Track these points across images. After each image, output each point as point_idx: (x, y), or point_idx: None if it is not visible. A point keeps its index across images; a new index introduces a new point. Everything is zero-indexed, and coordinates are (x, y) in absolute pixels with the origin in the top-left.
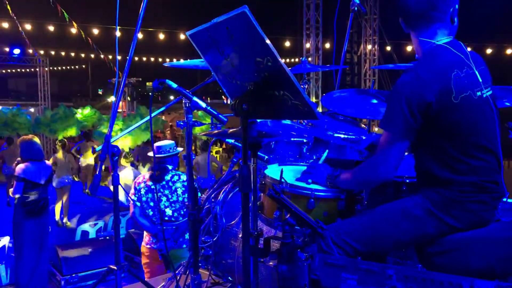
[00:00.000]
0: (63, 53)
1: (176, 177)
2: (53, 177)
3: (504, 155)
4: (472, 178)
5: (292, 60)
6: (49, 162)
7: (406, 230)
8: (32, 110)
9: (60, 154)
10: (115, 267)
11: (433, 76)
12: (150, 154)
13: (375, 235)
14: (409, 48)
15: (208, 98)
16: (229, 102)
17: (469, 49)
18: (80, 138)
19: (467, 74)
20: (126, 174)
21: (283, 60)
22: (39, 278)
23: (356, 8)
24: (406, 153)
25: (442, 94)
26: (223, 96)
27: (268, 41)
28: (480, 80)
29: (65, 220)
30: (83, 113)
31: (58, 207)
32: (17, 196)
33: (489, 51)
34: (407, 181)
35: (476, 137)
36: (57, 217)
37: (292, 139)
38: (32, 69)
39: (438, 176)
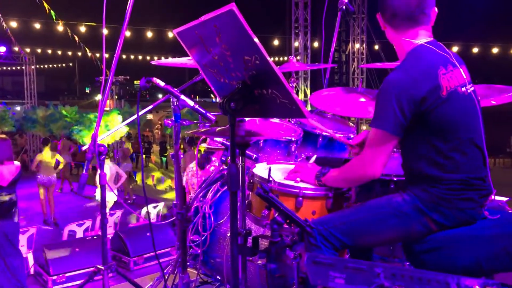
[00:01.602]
0: (49, 51)
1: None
2: (39, 175)
3: (489, 154)
4: (459, 175)
5: (281, 58)
6: (17, 163)
7: (394, 226)
8: (18, 108)
9: (45, 153)
10: (103, 267)
11: (421, 74)
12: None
13: (363, 230)
14: None
15: (197, 97)
16: (217, 100)
17: (454, 48)
18: (59, 137)
19: (452, 71)
20: (106, 170)
21: (271, 59)
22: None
23: (344, 7)
24: (393, 151)
25: (431, 90)
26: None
27: (256, 39)
28: (465, 77)
29: (53, 217)
30: (67, 111)
31: (44, 206)
32: None
33: (475, 50)
34: (395, 179)
35: (463, 132)
36: (44, 215)
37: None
38: (18, 67)
39: (425, 174)
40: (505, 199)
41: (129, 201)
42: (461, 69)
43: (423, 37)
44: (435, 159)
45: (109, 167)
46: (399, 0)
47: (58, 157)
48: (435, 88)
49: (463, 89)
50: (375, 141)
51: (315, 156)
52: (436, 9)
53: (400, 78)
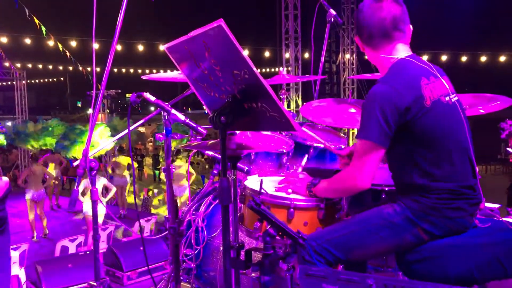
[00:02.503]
0: (40, 66)
1: None
2: (28, 190)
3: (481, 161)
4: (448, 184)
5: (272, 69)
6: (5, 178)
7: (386, 238)
8: (9, 124)
9: (35, 167)
10: (95, 283)
11: (404, 84)
12: None
13: (355, 244)
14: None
15: (189, 109)
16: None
17: (443, 57)
18: (47, 151)
19: (434, 81)
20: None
21: (263, 70)
22: None
23: (332, 20)
24: (382, 162)
25: (415, 100)
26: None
27: (244, 54)
28: (447, 87)
29: (46, 231)
30: (52, 124)
31: (33, 221)
32: None
33: (464, 58)
34: (386, 189)
35: (449, 140)
36: (34, 232)
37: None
38: (9, 83)
39: (415, 184)
40: (496, 206)
41: (118, 215)
42: (443, 80)
43: (402, 52)
44: (423, 168)
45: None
46: (372, 20)
47: (47, 171)
48: (418, 98)
49: (447, 98)
50: (361, 152)
51: (300, 169)
52: (411, 26)
53: (383, 90)
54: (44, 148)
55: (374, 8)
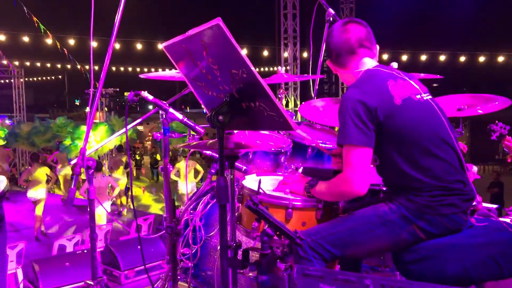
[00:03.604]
0: (38, 64)
1: None
2: (29, 189)
3: (479, 161)
4: (437, 181)
5: (271, 69)
6: (3, 177)
7: (381, 235)
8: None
9: (34, 167)
10: (92, 282)
11: (372, 87)
12: None
13: (351, 240)
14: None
15: (187, 108)
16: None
17: (441, 57)
18: (57, 148)
19: (401, 83)
20: (98, 181)
21: (261, 69)
22: None
23: (331, 19)
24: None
25: (383, 100)
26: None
27: (242, 53)
28: (417, 87)
29: (42, 228)
30: (57, 123)
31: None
32: None
33: (462, 59)
34: (384, 189)
35: (429, 135)
36: (42, 227)
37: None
38: (7, 81)
39: (406, 184)
40: (494, 206)
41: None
42: (411, 82)
43: (368, 64)
44: (410, 167)
45: (96, 179)
46: (339, 41)
47: (48, 171)
48: (386, 97)
49: (418, 96)
50: (348, 157)
51: (302, 168)
52: (378, 46)
53: (352, 93)
54: (45, 147)
55: (341, 31)
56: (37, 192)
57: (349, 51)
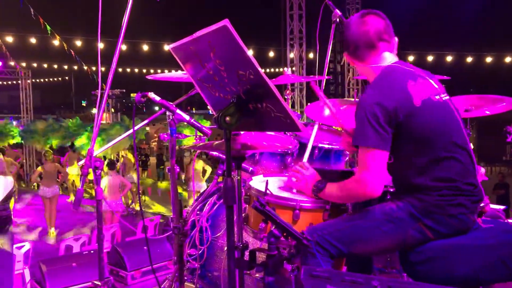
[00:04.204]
0: (45, 66)
1: None
2: (41, 187)
3: (486, 162)
4: (449, 181)
5: (277, 70)
6: (10, 178)
7: (388, 233)
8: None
9: (47, 164)
10: (99, 283)
11: (391, 87)
12: None
13: (358, 237)
14: None
15: (193, 109)
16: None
17: (449, 58)
18: (71, 146)
19: (421, 82)
20: (110, 180)
21: (267, 70)
22: None
23: (338, 20)
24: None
25: (403, 101)
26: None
27: (249, 54)
28: (436, 86)
29: (52, 230)
30: (74, 123)
31: (47, 217)
32: None
33: (469, 59)
34: (391, 190)
35: (446, 136)
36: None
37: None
38: (14, 82)
39: (416, 184)
40: (501, 207)
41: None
42: (431, 81)
43: (388, 59)
44: (422, 168)
45: (111, 178)
46: (357, 33)
47: (61, 169)
48: (406, 99)
49: (437, 97)
50: (364, 159)
51: (317, 123)
52: (396, 38)
53: (370, 94)
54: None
55: (359, 23)
56: (52, 188)
57: (368, 44)
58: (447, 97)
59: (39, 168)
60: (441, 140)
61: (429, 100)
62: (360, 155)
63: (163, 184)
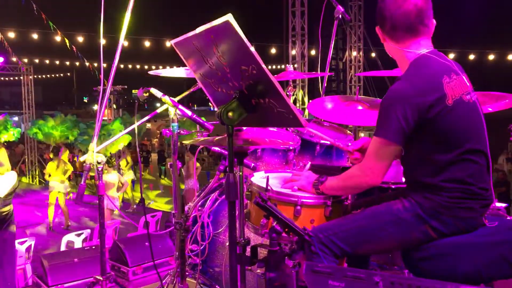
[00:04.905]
0: (47, 61)
1: None
2: (51, 182)
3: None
4: (463, 185)
5: (279, 66)
6: (13, 173)
7: (394, 234)
8: (16, 118)
9: (57, 159)
10: (101, 278)
11: (426, 83)
12: None
13: (363, 238)
14: None
15: (195, 105)
16: (215, 109)
17: (451, 55)
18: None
19: (455, 79)
20: (112, 178)
21: (269, 67)
22: None
23: (340, 16)
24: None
25: (437, 100)
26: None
27: (252, 50)
28: (468, 84)
29: (69, 223)
30: (70, 119)
31: (52, 211)
32: None
33: (472, 57)
34: (393, 187)
35: (469, 141)
36: (50, 220)
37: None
38: (16, 78)
39: (429, 182)
40: (503, 205)
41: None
42: (463, 77)
43: (424, 48)
44: (440, 167)
45: (114, 176)
46: (397, 12)
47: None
48: (441, 97)
49: (468, 97)
50: (376, 149)
51: (309, 163)
52: (434, 21)
53: (404, 88)
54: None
55: None
56: (63, 184)
57: (408, 27)
58: (476, 97)
59: (69, 166)
60: (464, 142)
61: (460, 99)
62: (374, 143)
63: (164, 181)
